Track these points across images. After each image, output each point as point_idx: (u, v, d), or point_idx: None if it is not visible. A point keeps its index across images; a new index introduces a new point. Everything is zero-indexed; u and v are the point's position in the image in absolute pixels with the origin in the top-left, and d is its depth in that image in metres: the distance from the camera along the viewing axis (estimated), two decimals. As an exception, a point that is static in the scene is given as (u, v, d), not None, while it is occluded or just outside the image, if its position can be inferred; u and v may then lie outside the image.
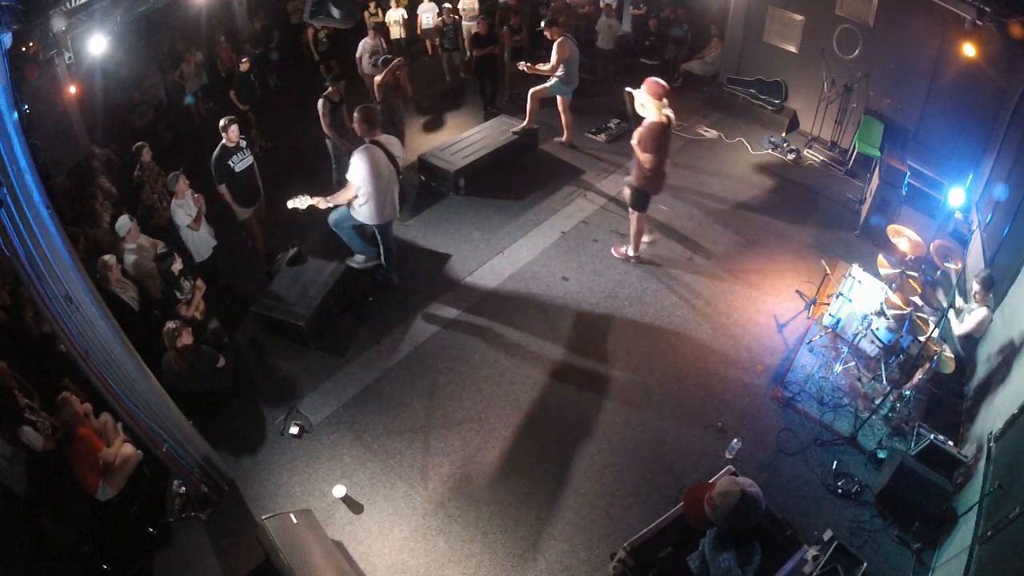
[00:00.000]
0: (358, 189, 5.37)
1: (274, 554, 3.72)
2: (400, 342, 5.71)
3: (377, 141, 5.36)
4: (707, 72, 9.62)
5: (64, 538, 4.27)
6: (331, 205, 5.50)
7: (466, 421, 5.05)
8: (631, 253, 6.50)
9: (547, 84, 7.74)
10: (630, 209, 6.20)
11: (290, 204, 5.39)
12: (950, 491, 4.31)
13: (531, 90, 7.81)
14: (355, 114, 5.41)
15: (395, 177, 5.54)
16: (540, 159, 8.00)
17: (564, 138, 8.33)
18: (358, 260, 6.16)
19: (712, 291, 6.18)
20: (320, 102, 6.89)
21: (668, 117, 5.51)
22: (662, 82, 5.49)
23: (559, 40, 7.49)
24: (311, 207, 5.37)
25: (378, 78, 7.19)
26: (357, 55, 8.69)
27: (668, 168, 6.02)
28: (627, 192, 6.11)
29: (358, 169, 5.26)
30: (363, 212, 5.55)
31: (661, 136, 5.56)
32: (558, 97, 7.93)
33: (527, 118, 8.02)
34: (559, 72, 7.58)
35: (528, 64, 7.65)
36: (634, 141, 5.69)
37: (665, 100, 5.49)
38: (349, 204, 5.56)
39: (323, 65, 10.15)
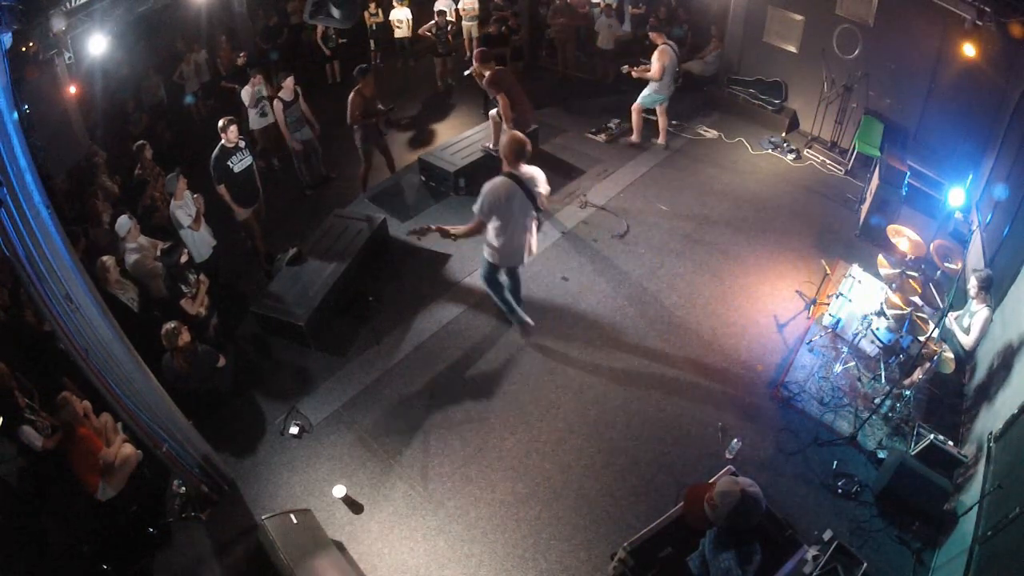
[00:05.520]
0: (484, 224, 4.84)
1: (274, 554, 3.72)
2: (400, 342, 5.71)
3: (513, 174, 4.75)
4: (707, 72, 9.62)
5: (64, 538, 4.28)
6: (454, 234, 4.83)
7: (466, 421, 5.05)
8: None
9: (644, 95, 7.90)
10: None
11: (410, 230, 4.88)
12: (950, 491, 4.31)
13: (634, 105, 8.09)
14: (503, 142, 4.89)
15: (528, 215, 4.89)
16: (540, 159, 7.98)
17: (660, 140, 8.39)
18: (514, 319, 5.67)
19: (712, 291, 6.18)
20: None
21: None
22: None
23: (661, 47, 7.57)
24: (438, 231, 4.81)
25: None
26: (247, 104, 7.77)
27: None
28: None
29: (482, 200, 4.71)
30: (492, 255, 5.06)
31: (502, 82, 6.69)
32: (657, 106, 8.10)
33: (634, 133, 8.36)
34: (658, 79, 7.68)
35: (631, 67, 7.79)
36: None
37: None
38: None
39: (328, 65, 10.18)
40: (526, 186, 4.76)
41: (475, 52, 6.94)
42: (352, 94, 6.92)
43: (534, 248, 5.19)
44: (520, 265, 5.27)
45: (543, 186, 4.91)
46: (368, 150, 7.40)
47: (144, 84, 8.79)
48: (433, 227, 4.78)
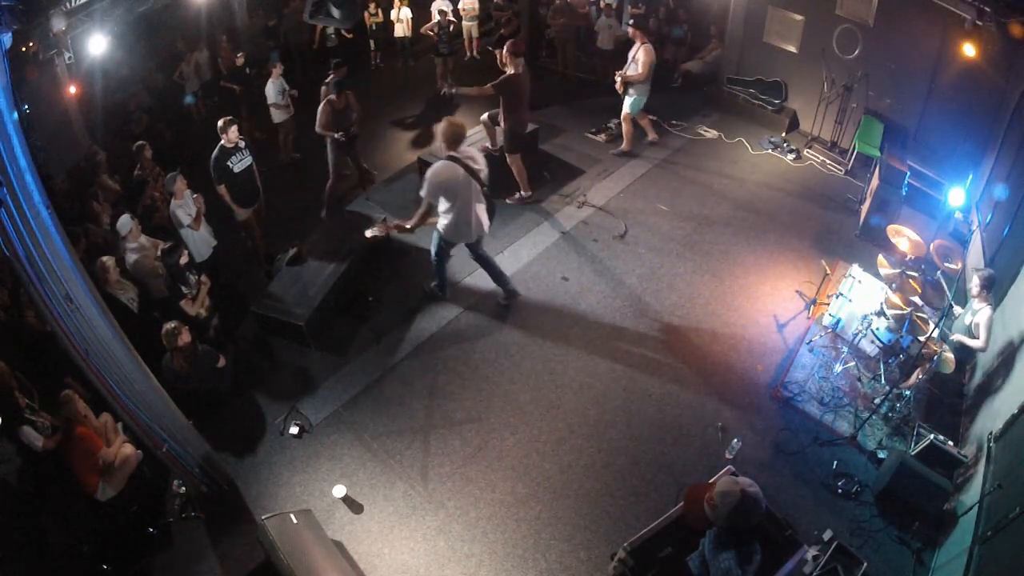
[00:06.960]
0: (432, 205, 5.20)
1: (274, 554, 3.72)
2: (400, 342, 5.71)
3: (455, 156, 5.10)
4: (707, 72, 9.62)
5: (64, 538, 4.27)
6: (410, 226, 5.27)
7: (466, 421, 5.05)
8: (525, 194, 7.24)
9: (629, 102, 7.66)
10: (508, 155, 6.96)
11: (369, 233, 5.31)
12: (950, 491, 4.31)
13: (623, 114, 7.87)
14: (440, 128, 5.20)
15: (476, 193, 5.22)
16: (540, 159, 8.00)
17: (649, 137, 8.29)
18: (427, 286, 6.10)
19: (712, 291, 6.18)
20: (323, 89, 7.03)
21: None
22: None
23: (645, 45, 7.34)
24: (395, 229, 5.34)
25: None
26: (270, 101, 7.81)
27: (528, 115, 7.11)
28: (501, 139, 6.98)
29: (427, 184, 5.05)
30: (444, 230, 5.38)
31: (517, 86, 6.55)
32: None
33: (625, 142, 8.12)
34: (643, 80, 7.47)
35: (620, 75, 7.51)
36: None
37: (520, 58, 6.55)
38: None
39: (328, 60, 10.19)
40: (467, 166, 5.10)
41: (509, 43, 6.65)
42: (323, 103, 6.83)
43: (485, 223, 5.46)
44: (471, 241, 5.52)
45: (483, 163, 5.29)
46: (338, 163, 7.20)
47: (136, 89, 8.78)
48: (391, 224, 5.30)
